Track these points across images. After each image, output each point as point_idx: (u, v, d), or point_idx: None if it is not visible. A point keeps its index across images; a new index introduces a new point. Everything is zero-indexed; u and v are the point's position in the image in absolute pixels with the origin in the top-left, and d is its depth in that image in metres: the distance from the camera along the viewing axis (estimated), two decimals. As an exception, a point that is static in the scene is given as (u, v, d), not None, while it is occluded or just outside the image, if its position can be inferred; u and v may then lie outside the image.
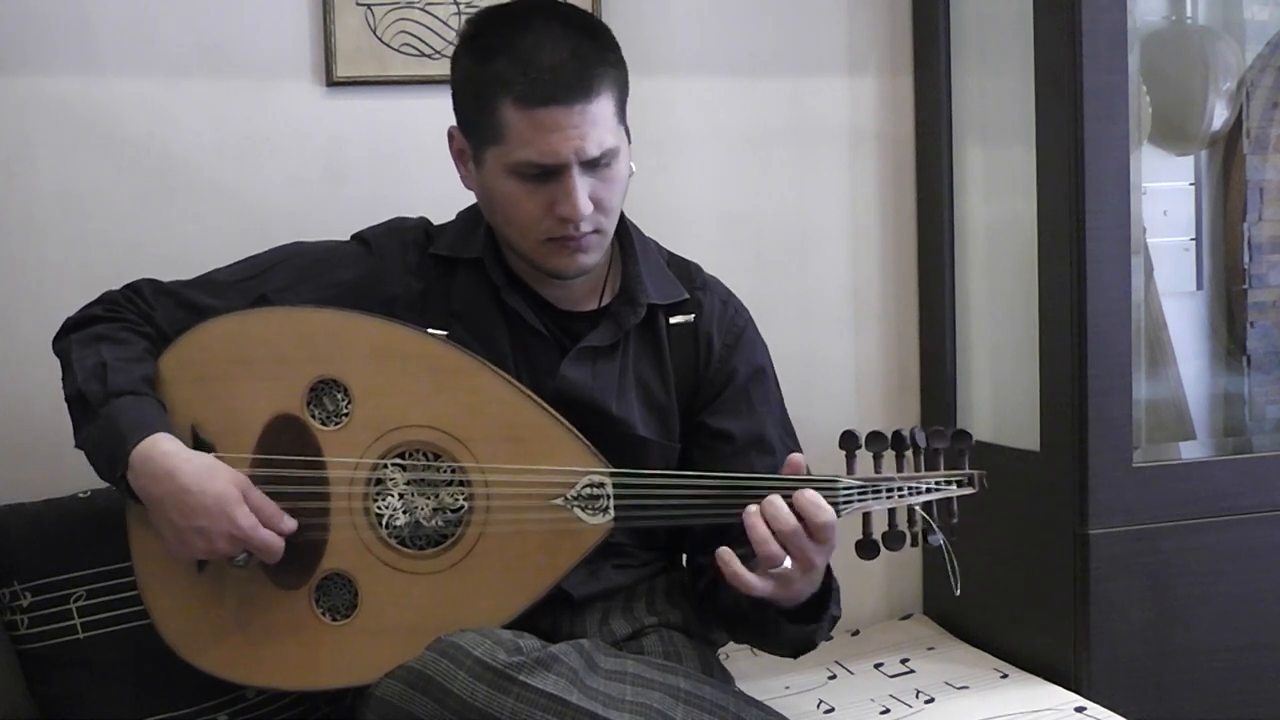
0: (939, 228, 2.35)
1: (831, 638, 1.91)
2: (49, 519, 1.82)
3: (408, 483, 1.59)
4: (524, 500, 1.56)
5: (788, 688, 2.06)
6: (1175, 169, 2.44)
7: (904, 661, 2.18)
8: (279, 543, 1.54)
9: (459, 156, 1.66)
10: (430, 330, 1.62)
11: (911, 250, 2.41)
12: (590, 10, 2.14)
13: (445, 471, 1.58)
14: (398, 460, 1.59)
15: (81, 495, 1.85)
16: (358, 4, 2.10)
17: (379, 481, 1.59)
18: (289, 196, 2.10)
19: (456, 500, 1.58)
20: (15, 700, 1.80)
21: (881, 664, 2.17)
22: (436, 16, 2.14)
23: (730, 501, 1.51)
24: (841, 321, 2.39)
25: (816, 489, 1.49)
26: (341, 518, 1.58)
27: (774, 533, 1.46)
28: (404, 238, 1.73)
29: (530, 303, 1.69)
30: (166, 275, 1.72)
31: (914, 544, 1.53)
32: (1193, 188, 2.45)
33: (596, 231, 1.61)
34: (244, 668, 1.61)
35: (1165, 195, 2.42)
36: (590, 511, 1.56)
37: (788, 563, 1.46)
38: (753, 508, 1.48)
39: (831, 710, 1.98)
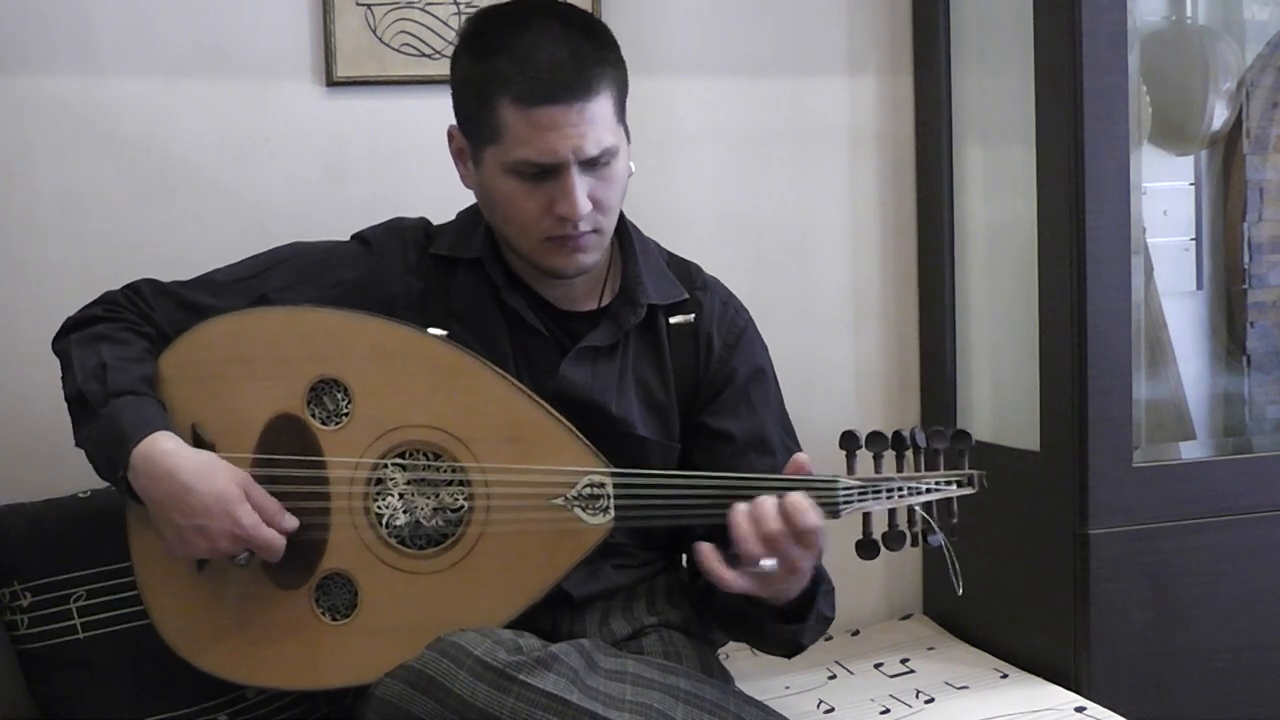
0: (939, 228, 2.35)
1: (831, 638, 1.91)
2: (49, 519, 1.82)
3: (408, 482, 1.59)
4: (524, 500, 1.56)
5: (788, 688, 2.06)
6: (1175, 169, 2.44)
7: (904, 661, 2.18)
8: (281, 541, 1.54)
9: (458, 156, 1.66)
10: (430, 330, 1.62)
11: (911, 250, 2.41)
12: (590, 10, 2.14)
13: (445, 471, 1.58)
14: (398, 460, 1.59)
15: (81, 495, 1.85)
16: (358, 4, 2.10)
17: (379, 481, 1.59)
18: (289, 196, 2.09)
19: (456, 500, 1.58)
20: (15, 700, 1.80)
21: (881, 664, 2.17)
22: (436, 16, 2.14)
23: (730, 502, 1.50)
24: (841, 321, 2.39)
25: (816, 489, 1.49)
26: (342, 517, 1.58)
27: (759, 533, 1.46)
28: (404, 237, 1.73)
29: (530, 302, 1.69)
30: (166, 275, 1.72)
31: (914, 544, 1.53)
32: (1193, 188, 2.45)
33: (595, 231, 1.61)
34: (244, 667, 1.61)
35: (1165, 195, 2.42)
36: (590, 511, 1.56)
37: (767, 561, 1.46)
38: (741, 505, 1.48)
39: (831, 710, 1.98)
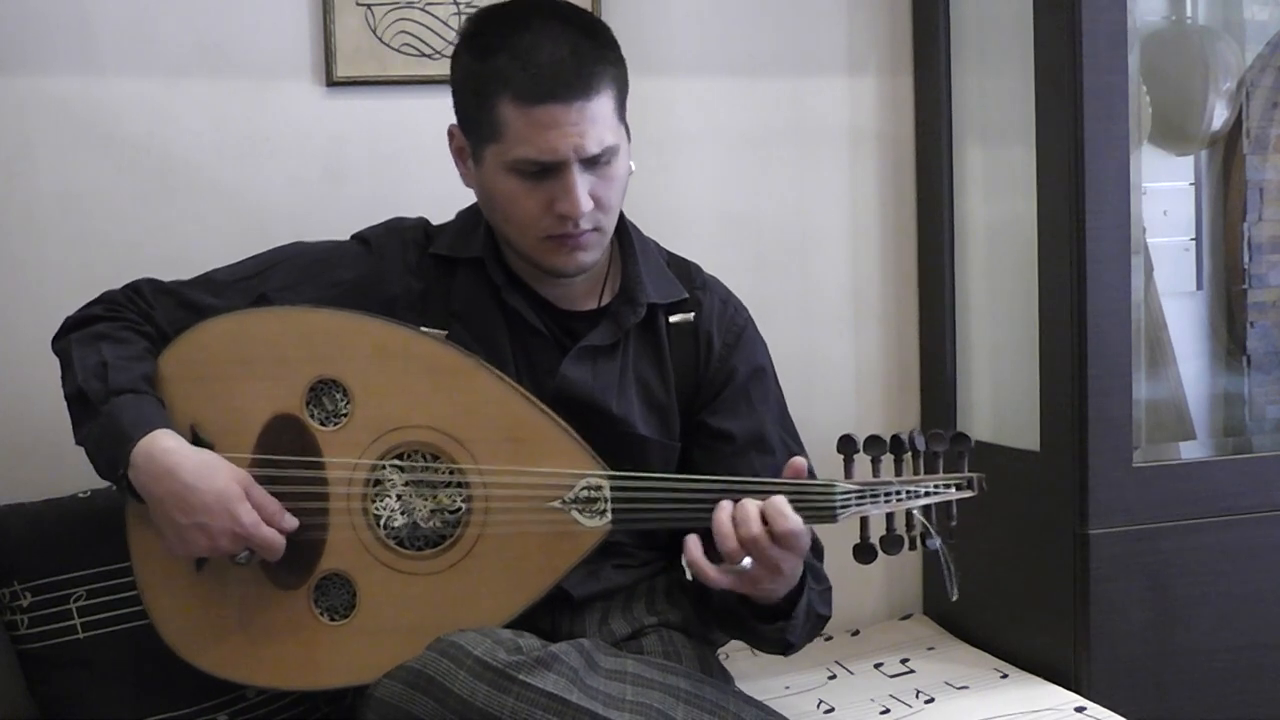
0: (939, 228, 2.35)
1: (831, 638, 1.91)
2: (49, 519, 1.82)
3: (406, 484, 1.59)
4: (522, 502, 1.56)
5: (788, 688, 2.06)
6: (1175, 169, 2.44)
7: (904, 661, 2.18)
8: (280, 540, 1.54)
9: (458, 154, 1.66)
10: (426, 330, 1.62)
11: (911, 250, 2.41)
12: (590, 10, 2.14)
13: (443, 473, 1.58)
14: (396, 461, 1.59)
15: (81, 495, 1.85)
16: (358, 4, 2.10)
17: (378, 482, 1.59)
18: (289, 196, 2.09)
19: (454, 501, 1.58)
20: (15, 700, 1.80)
21: (881, 664, 2.17)
22: (436, 16, 2.14)
23: (728, 505, 1.50)
24: (841, 321, 2.38)
25: (813, 493, 1.49)
26: (340, 518, 1.58)
27: (739, 534, 1.46)
28: (404, 237, 1.73)
29: (530, 302, 1.69)
30: (166, 275, 1.72)
31: (912, 548, 1.52)
32: (1193, 188, 2.45)
33: (596, 229, 1.61)
34: (244, 668, 1.61)
35: (1165, 195, 2.42)
36: (588, 514, 1.56)
37: (747, 561, 1.46)
38: (724, 504, 1.48)
39: (831, 710, 1.98)
